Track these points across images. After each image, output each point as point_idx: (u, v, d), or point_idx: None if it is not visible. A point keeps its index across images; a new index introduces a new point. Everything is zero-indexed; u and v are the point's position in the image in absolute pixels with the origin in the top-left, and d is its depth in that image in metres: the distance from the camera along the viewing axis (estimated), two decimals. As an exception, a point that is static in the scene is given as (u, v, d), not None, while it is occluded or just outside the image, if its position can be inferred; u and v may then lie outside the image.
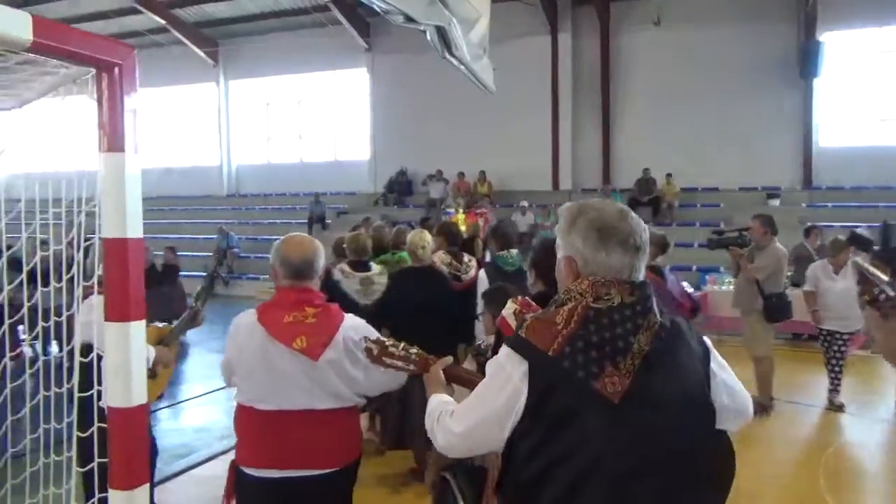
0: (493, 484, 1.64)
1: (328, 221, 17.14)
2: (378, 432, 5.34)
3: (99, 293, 1.86)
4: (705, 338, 1.64)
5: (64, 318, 2.31)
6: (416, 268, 4.85)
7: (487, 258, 5.73)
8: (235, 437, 2.64)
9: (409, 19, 6.15)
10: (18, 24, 1.55)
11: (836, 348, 6.38)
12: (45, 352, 2.47)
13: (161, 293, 7.44)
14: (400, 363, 2.00)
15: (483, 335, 3.48)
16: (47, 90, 2.22)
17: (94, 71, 1.85)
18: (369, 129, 18.72)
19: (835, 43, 14.01)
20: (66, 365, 2.25)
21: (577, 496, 1.43)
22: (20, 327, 2.48)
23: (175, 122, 21.05)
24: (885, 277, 2.33)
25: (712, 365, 1.58)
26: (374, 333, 2.42)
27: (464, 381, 1.94)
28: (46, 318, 2.38)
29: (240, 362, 2.55)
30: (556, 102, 16.32)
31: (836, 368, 6.41)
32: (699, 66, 14.84)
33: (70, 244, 2.25)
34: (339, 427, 2.58)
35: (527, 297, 2.50)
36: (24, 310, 2.35)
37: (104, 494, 1.86)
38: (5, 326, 2.40)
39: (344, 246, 5.24)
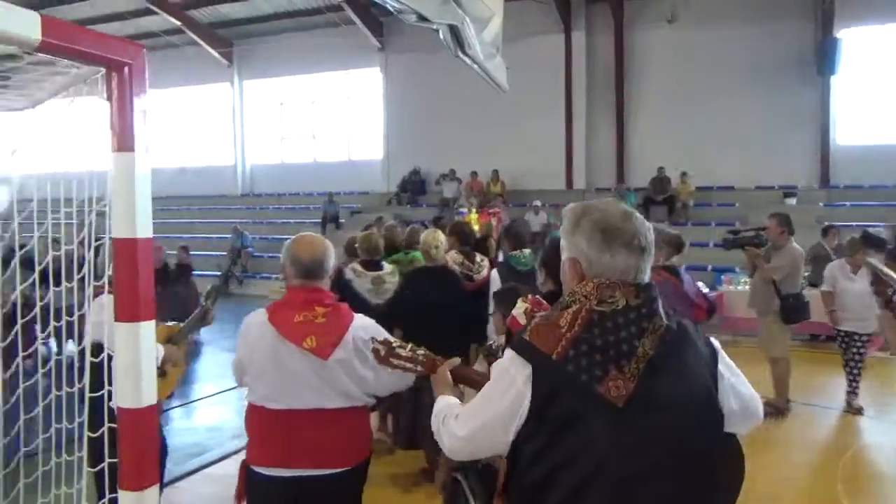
0: (500, 487, 1.63)
1: (342, 221, 17.18)
2: (389, 432, 5.34)
3: (109, 293, 1.85)
4: (713, 339, 1.62)
5: (76, 317, 2.32)
6: (429, 267, 4.85)
7: (500, 258, 5.70)
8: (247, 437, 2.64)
9: (423, 18, 6.14)
10: (27, 24, 1.55)
11: (854, 350, 6.28)
12: (61, 351, 2.47)
13: (174, 292, 7.48)
14: (407, 364, 1.99)
15: (494, 335, 3.46)
16: (58, 90, 2.22)
17: (104, 70, 1.85)
18: (382, 129, 18.74)
19: (852, 39, 13.81)
20: (77, 364, 2.25)
21: (581, 500, 1.42)
22: (37, 326, 2.49)
23: (190, 122, 21.22)
24: None
25: (720, 367, 1.56)
26: (383, 334, 2.41)
27: (471, 382, 1.92)
28: (60, 317, 2.39)
29: (251, 362, 2.56)
30: (570, 101, 16.24)
31: (855, 370, 6.31)
32: (714, 63, 14.71)
33: (81, 244, 2.25)
34: (349, 426, 2.59)
35: (537, 296, 2.48)
36: (37, 309, 2.36)
37: (115, 495, 1.85)
38: (18, 326, 2.41)
39: (356, 245, 5.24)
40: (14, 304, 2.70)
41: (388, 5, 5.94)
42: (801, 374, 6.65)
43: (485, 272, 5.13)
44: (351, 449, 2.60)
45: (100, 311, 2.41)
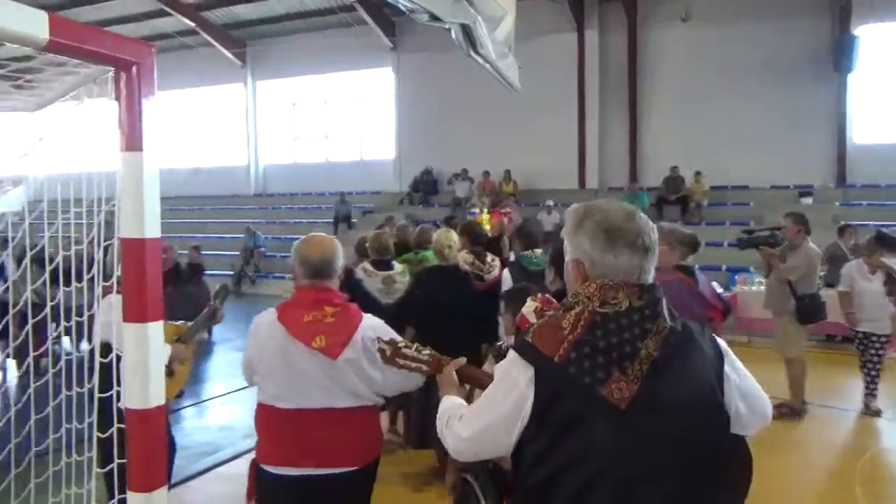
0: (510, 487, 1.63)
1: (354, 221, 17.21)
2: (399, 432, 5.33)
3: (118, 292, 1.85)
4: (720, 340, 1.60)
5: (85, 317, 2.32)
6: (441, 267, 4.86)
7: (512, 258, 5.68)
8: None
9: (435, 18, 6.13)
10: (35, 23, 1.54)
11: (872, 351, 6.19)
12: (77, 350, 2.48)
13: (186, 292, 7.50)
14: (413, 364, 2.00)
15: (506, 336, 3.44)
16: (68, 90, 2.22)
17: (113, 70, 1.84)
18: (394, 129, 18.75)
19: (870, 36, 13.63)
20: (86, 364, 2.25)
21: (583, 502, 1.41)
22: (51, 325, 2.50)
23: (203, 123, 21.37)
24: None
25: (725, 368, 1.55)
26: (391, 334, 2.41)
27: (477, 382, 1.92)
28: (72, 316, 2.39)
29: (260, 361, 2.57)
30: (583, 100, 16.16)
31: (873, 372, 6.23)
32: (728, 61, 14.58)
33: (93, 243, 2.26)
34: (358, 426, 2.60)
35: (547, 295, 2.46)
36: (48, 308, 2.36)
37: (124, 496, 1.85)
38: (29, 326, 2.42)
39: (367, 245, 5.24)
40: (28, 304, 2.70)
41: (400, 5, 5.94)
42: (818, 376, 6.57)
43: (496, 272, 5.10)
44: (360, 448, 2.60)
45: (108, 311, 2.42)
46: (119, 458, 1.88)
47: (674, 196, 14.56)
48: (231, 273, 16.19)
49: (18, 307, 2.63)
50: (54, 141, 2.42)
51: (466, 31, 6.70)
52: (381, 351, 2.03)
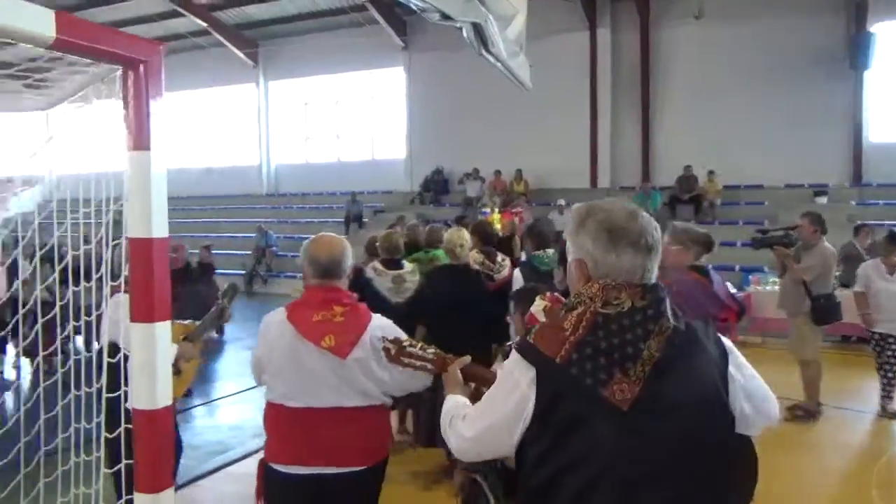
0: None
1: (365, 220, 17.22)
2: (408, 430, 5.33)
3: (125, 292, 1.84)
4: (726, 340, 1.59)
5: (94, 316, 2.32)
6: (453, 265, 4.87)
7: (523, 258, 5.65)
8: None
9: (446, 16, 6.11)
10: (41, 21, 1.54)
11: (889, 353, 6.10)
12: (89, 349, 2.48)
13: (196, 291, 7.53)
14: (417, 362, 1.99)
15: (515, 336, 3.41)
16: (77, 89, 2.22)
17: (121, 69, 1.83)
18: (406, 128, 18.75)
19: (886, 34, 13.45)
20: (94, 364, 2.25)
21: (586, 503, 1.41)
22: (66, 324, 2.50)
23: (215, 123, 21.46)
24: None
25: (730, 368, 1.54)
26: (399, 334, 2.39)
27: (482, 381, 1.90)
28: (83, 316, 2.39)
29: (269, 360, 2.58)
30: (595, 99, 16.07)
31: (890, 374, 6.13)
32: (742, 60, 14.44)
33: (101, 243, 2.25)
34: (367, 425, 2.60)
35: (556, 294, 2.43)
36: (57, 308, 2.36)
37: (132, 496, 1.84)
38: (39, 325, 2.42)
39: (377, 245, 5.24)
40: (41, 303, 2.70)
41: (411, 4, 5.93)
42: (833, 377, 6.49)
43: (506, 272, 5.08)
44: (369, 448, 2.61)
45: (116, 311, 2.42)
46: (127, 459, 1.88)
47: (687, 195, 14.45)
48: (243, 272, 16.26)
49: (28, 306, 2.63)
50: (64, 141, 2.43)
51: (478, 29, 6.68)
52: (386, 350, 2.03)
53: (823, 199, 13.35)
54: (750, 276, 10.53)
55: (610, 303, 1.46)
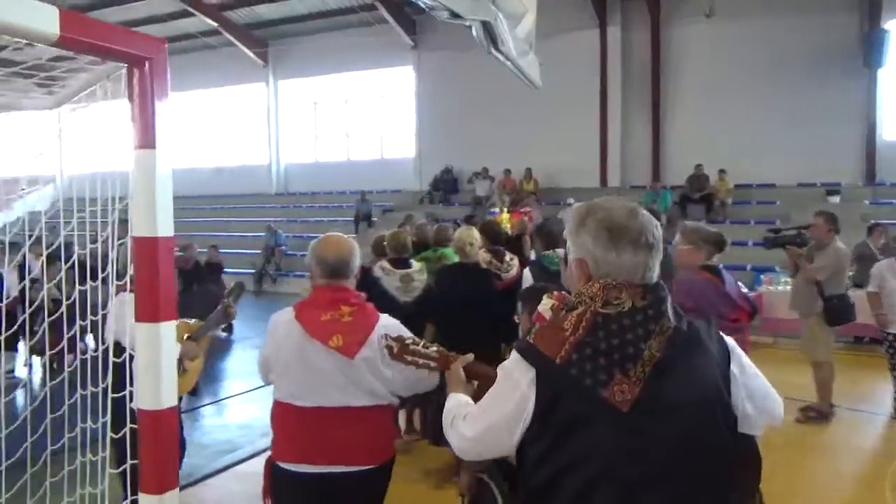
0: None
1: (374, 219, 17.23)
2: (416, 428, 5.31)
3: (130, 291, 1.83)
4: (728, 339, 1.58)
5: (100, 315, 2.31)
6: (462, 264, 4.87)
7: (533, 257, 5.62)
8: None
9: (455, 15, 6.09)
10: (45, 18, 1.53)
11: (903, 353, 6.03)
12: (97, 348, 2.48)
13: (205, 290, 7.57)
14: (420, 360, 1.99)
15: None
16: (83, 87, 2.21)
17: (126, 67, 1.82)
18: (415, 127, 18.75)
19: (901, 32, 13.31)
20: (100, 363, 2.24)
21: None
22: (76, 323, 2.50)
23: (225, 122, 21.54)
24: None
25: (732, 368, 1.53)
26: (406, 334, 2.38)
27: (485, 379, 1.88)
28: (91, 314, 2.38)
29: (277, 359, 2.58)
30: (605, 97, 16.00)
31: (904, 375, 6.06)
32: (753, 58, 14.33)
33: (108, 242, 2.25)
34: (374, 425, 2.60)
35: (563, 293, 2.40)
36: (63, 307, 2.36)
37: (136, 497, 1.83)
38: (45, 324, 2.42)
39: (384, 244, 5.22)
40: (51, 301, 2.71)
41: (421, 3, 5.92)
42: (846, 378, 6.42)
43: (514, 271, 5.06)
44: (376, 447, 2.61)
45: (120, 310, 2.42)
46: (132, 459, 1.87)
47: (698, 194, 14.34)
48: (252, 271, 16.31)
49: (36, 304, 2.64)
50: (70, 140, 2.42)
51: (487, 28, 6.66)
52: (389, 348, 2.03)
53: (836, 199, 13.21)
54: (762, 276, 10.45)
55: (610, 302, 1.46)
